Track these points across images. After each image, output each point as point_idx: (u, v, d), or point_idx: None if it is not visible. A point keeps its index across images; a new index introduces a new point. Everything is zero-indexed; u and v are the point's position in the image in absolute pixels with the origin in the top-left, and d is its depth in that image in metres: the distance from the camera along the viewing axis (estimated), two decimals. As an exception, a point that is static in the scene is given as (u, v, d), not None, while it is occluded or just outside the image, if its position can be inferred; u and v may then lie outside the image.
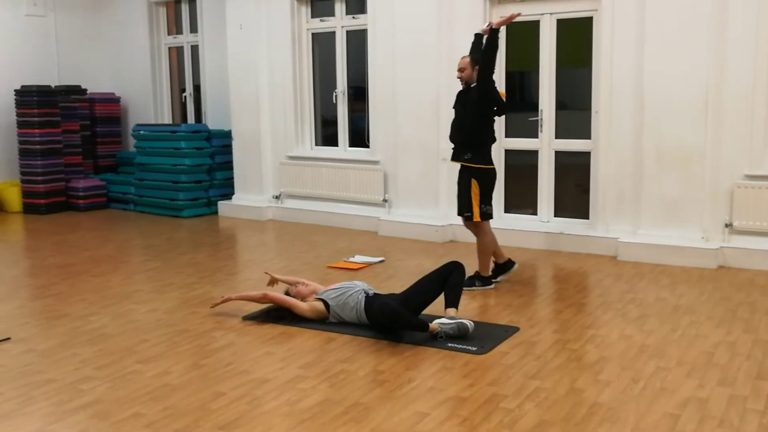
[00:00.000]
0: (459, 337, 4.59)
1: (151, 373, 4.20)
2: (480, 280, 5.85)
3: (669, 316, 5.11)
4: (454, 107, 6.03)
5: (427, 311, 4.91)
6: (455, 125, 5.95)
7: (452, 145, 5.95)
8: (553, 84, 7.34)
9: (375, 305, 4.75)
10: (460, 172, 5.89)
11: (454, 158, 5.92)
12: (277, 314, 5.10)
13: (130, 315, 5.34)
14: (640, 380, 3.97)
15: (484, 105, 5.76)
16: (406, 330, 4.67)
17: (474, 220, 5.81)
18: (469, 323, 4.65)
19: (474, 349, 4.45)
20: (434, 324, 4.63)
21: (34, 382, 4.09)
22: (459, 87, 7.55)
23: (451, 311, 4.79)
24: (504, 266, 6.03)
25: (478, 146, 5.78)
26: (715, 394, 3.78)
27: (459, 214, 5.97)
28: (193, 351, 4.57)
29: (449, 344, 4.52)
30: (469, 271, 5.69)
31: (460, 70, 5.89)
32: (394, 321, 4.63)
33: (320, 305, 5.01)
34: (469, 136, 5.79)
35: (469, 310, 5.24)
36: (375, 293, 5.00)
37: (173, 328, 5.02)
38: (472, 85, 5.81)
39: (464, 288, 5.55)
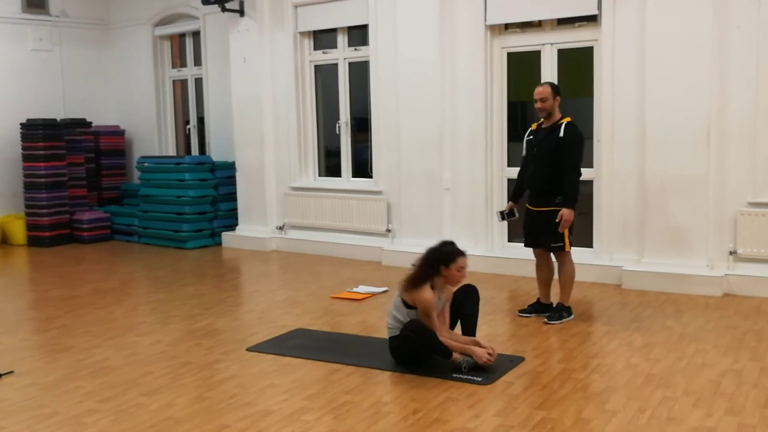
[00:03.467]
0: (481, 368, 4.53)
1: (155, 406, 4.17)
2: (566, 311, 5.77)
3: (675, 344, 5.08)
4: (533, 147, 5.77)
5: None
6: (540, 172, 5.67)
7: (531, 190, 5.77)
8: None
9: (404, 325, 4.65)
10: (543, 213, 5.67)
11: (541, 205, 5.67)
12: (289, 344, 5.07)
13: (134, 347, 5.33)
14: (646, 410, 3.94)
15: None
16: (429, 351, 4.59)
17: (566, 249, 5.68)
18: None
19: (479, 379, 4.43)
20: (457, 354, 4.59)
21: (37, 416, 4.08)
22: (465, 114, 7.70)
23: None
24: (545, 307, 5.90)
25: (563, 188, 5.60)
26: (723, 423, 3.75)
27: (546, 248, 5.78)
28: (196, 383, 4.54)
29: (454, 375, 4.49)
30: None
31: (542, 100, 5.61)
32: (419, 337, 4.53)
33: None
34: (561, 182, 5.57)
35: (473, 340, 5.21)
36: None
37: (177, 360, 5.01)
38: (560, 133, 5.55)
39: (553, 323, 5.62)
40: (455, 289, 4.82)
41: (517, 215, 6.06)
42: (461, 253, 4.65)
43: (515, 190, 6.11)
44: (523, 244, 6.07)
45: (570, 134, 5.59)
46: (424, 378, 4.48)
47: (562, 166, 5.57)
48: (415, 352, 4.62)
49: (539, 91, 5.67)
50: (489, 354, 4.57)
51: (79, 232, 10.28)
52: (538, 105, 5.67)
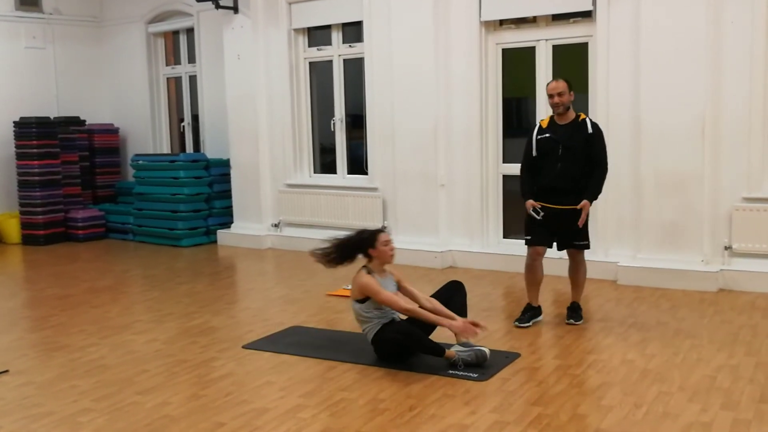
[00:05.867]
0: (476, 365, 4.53)
1: (150, 404, 4.17)
2: (581, 309, 5.67)
3: (670, 340, 5.09)
4: (556, 145, 5.40)
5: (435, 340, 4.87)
6: (570, 170, 5.38)
7: (556, 189, 5.41)
8: (550, 110, 7.35)
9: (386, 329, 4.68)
10: (572, 211, 5.38)
11: (570, 203, 5.37)
12: (279, 344, 5.07)
13: (129, 345, 5.32)
14: (642, 405, 3.95)
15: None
16: (419, 352, 4.61)
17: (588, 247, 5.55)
18: (486, 350, 4.60)
19: (475, 375, 4.43)
20: (451, 351, 4.58)
21: (32, 415, 4.06)
22: (460, 110, 7.68)
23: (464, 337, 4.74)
24: (538, 309, 5.71)
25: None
26: (718, 418, 3.75)
27: (571, 247, 5.58)
28: (192, 381, 4.54)
29: (450, 371, 4.49)
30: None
31: (560, 94, 5.33)
32: (408, 339, 4.56)
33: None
34: (589, 177, 5.41)
35: (469, 336, 5.21)
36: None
37: (172, 358, 5.00)
38: (588, 129, 5.37)
39: (575, 323, 5.53)
40: (389, 263, 4.92)
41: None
42: (380, 230, 4.98)
43: (531, 189, 5.59)
44: (531, 242, 5.56)
45: (598, 129, 5.43)
46: (419, 375, 4.48)
47: (593, 162, 5.38)
48: (404, 351, 4.64)
49: (555, 86, 5.37)
50: (473, 325, 4.66)
51: (74, 231, 10.25)
52: (555, 100, 5.37)
